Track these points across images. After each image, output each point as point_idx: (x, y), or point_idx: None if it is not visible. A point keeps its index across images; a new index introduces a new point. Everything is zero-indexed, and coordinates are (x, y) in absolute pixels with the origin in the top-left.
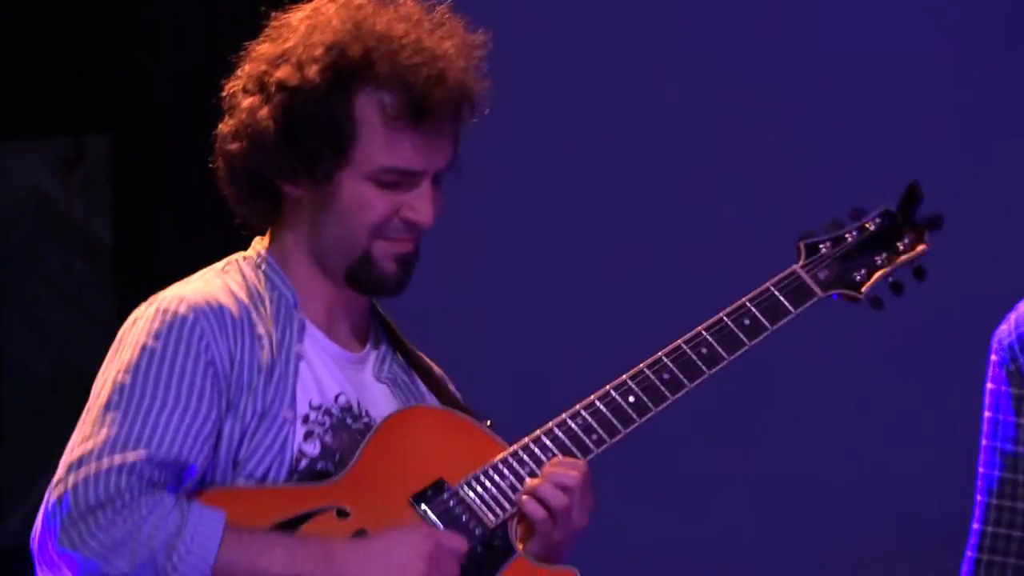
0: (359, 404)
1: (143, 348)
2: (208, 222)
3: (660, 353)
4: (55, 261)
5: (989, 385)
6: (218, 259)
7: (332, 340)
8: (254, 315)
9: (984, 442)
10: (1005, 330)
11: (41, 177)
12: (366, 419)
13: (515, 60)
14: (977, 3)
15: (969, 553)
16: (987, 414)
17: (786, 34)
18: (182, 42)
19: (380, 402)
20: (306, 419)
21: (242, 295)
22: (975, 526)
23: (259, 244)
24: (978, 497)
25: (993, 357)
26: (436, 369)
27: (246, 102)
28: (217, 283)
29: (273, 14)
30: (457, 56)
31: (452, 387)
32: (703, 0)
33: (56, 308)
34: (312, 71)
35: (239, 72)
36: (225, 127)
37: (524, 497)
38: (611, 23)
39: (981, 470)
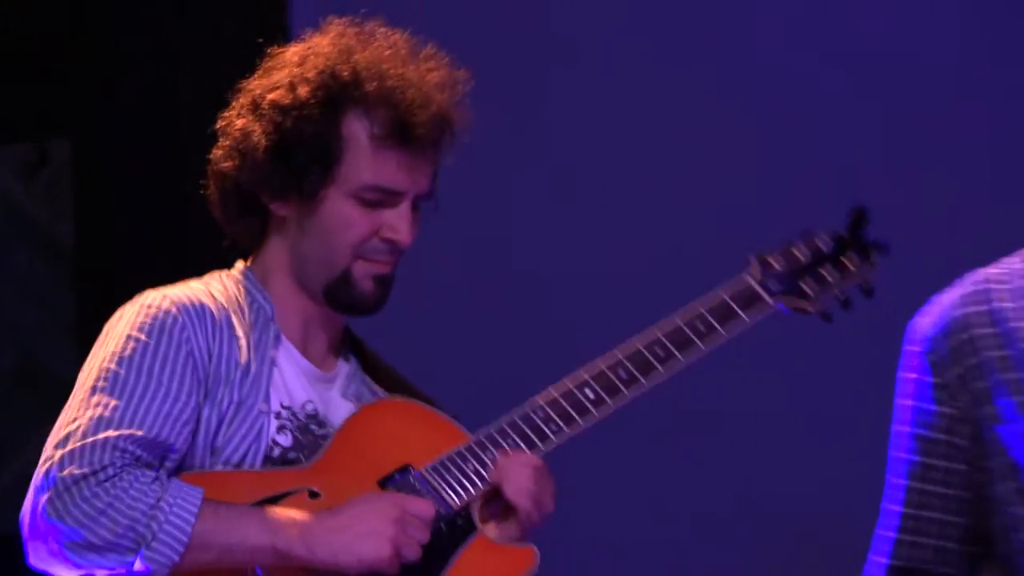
0: (325, 416)
1: (128, 338)
2: (166, 225)
3: (618, 353)
4: (19, 261)
5: (909, 375)
6: (176, 262)
7: (305, 356)
8: (234, 319)
9: (901, 428)
10: (927, 322)
11: (4, 180)
12: (330, 429)
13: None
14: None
15: (888, 533)
16: (906, 402)
17: (755, 36)
18: (145, 48)
19: (343, 415)
20: (278, 415)
21: (223, 300)
22: (893, 507)
23: (241, 263)
24: (894, 480)
25: (914, 348)
26: (399, 379)
27: (239, 123)
28: (199, 288)
29: (270, 50)
30: (441, 87)
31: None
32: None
33: (20, 306)
34: (303, 91)
35: (233, 104)
36: (218, 151)
37: (482, 491)
38: (577, 26)
39: (897, 454)
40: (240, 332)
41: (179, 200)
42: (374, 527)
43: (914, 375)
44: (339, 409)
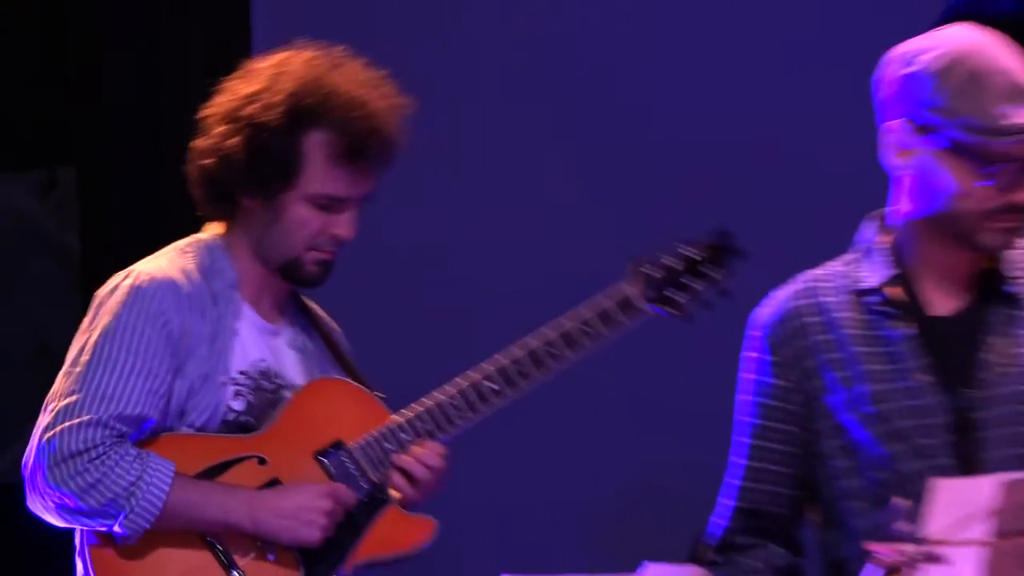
0: (276, 368)
1: (116, 316)
2: (154, 235)
3: (516, 350)
4: (35, 266)
5: (752, 354)
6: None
7: (258, 314)
8: (202, 293)
9: (745, 397)
10: (767, 312)
11: (23, 200)
12: (278, 380)
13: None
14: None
15: (734, 481)
16: (749, 376)
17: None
18: (134, 90)
19: (289, 366)
20: (236, 382)
21: (195, 276)
22: (739, 461)
23: (210, 232)
24: (739, 439)
25: (756, 332)
26: (339, 342)
27: (219, 129)
28: (175, 263)
29: (244, 63)
30: (389, 114)
31: (347, 353)
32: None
33: (36, 302)
34: (275, 112)
35: (214, 101)
36: (200, 144)
37: (397, 471)
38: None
39: (742, 418)
40: (207, 305)
41: (163, 213)
42: (311, 518)
43: (755, 354)
44: (287, 359)
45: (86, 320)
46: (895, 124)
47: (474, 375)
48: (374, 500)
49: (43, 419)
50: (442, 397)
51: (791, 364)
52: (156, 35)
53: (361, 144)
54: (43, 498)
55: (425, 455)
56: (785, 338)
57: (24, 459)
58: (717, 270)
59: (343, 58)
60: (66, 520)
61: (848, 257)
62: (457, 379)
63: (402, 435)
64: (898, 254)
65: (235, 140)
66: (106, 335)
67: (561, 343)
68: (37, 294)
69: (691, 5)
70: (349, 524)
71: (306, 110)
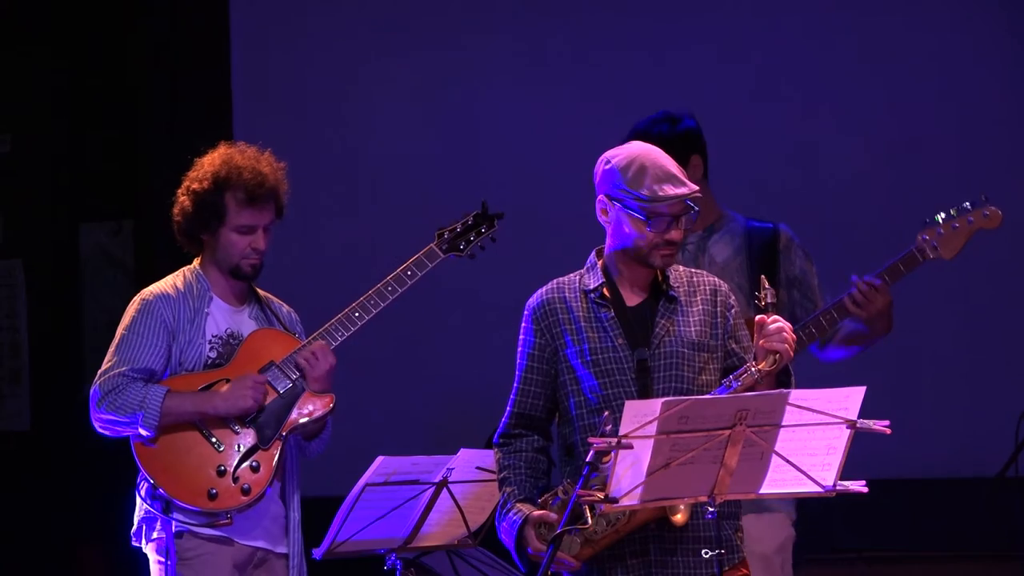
0: (238, 332)
1: (132, 318)
2: (175, 263)
3: (370, 291)
4: (108, 275)
5: (525, 324)
6: (174, 268)
7: (225, 303)
8: (186, 296)
9: (521, 350)
10: (534, 300)
11: (101, 238)
12: (240, 338)
13: None
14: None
15: (513, 396)
16: (522, 337)
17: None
18: (170, 178)
19: (248, 329)
20: (210, 342)
21: (180, 287)
22: (515, 385)
23: (195, 262)
24: (517, 373)
25: (527, 312)
26: (284, 313)
27: (182, 199)
28: (169, 282)
29: (196, 160)
30: (272, 174)
31: (290, 322)
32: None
33: (110, 297)
34: (206, 184)
35: (185, 178)
36: (174, 210)
37: (299, 358)
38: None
39: (519, 362)
40: (189, 304)
41: (179, 251)
42: (242, 394)
43: (526, 324)
44: (247, 324)
45: (121, 321)
46: (601, 197)
47: (347, 310)
48: (296, 389)
49: (96, 376)
50: (328, 325)
51: (545, 329)
52: (187, 139)
53: (255, 195)
54: (97, 421)
55: (309, 351)
56: (542, 315)
57: (90, 399)
58: (487, 225)
59: (246, 147)
60: (112, 429)
61: (580, 271)
62: (338, 314)
63: (305, 348)
64: (606, 270)
65: (188, 204)
66: (127, 328)
67: (394, 282)
68: (109, 290)
69: None
70: (280, 405)
71: (223, 180)
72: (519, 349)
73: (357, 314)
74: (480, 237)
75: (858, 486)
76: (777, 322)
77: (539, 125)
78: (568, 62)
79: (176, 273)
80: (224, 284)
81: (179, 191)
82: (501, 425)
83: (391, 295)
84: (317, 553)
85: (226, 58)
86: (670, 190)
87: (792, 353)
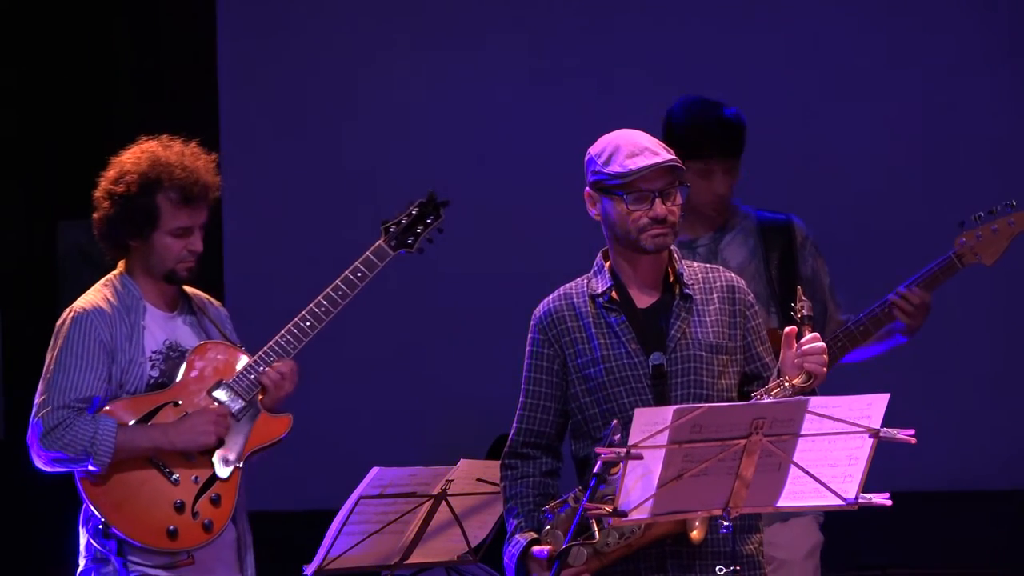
0: (175, 341)
1: (66, 338)
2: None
3: (319, 297)
4: (86, 275)
5: (532, 335)
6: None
7: (158, 309)
8: (120, 310)
9: (528, 360)
10: (540, 309)
11: (81, 236)
12: (181, 349)
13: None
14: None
15: (520, 412)
16: (530, 348)
17: None
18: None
19: (184, 336)
20: (151, 359)
21: (113, 300)
22: (521, 399)
23: (119, 268)
24: (523, 387)
25: (534, 321)
26: (214, 311)
27: (105, 204)
28: (100, 295)
29: (112, 159)
30: (205, 170)
31: (219, 319)
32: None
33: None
34: (133, 188)
35: (103, 179)
36: (95, 216)
37: (264, 379)
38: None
39: (525, 374)
40: (123, 317)
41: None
42: (203, 429)
43: (533, 335)
44: (182, 331)
45: (53, 341)
46: (586, 190)
47: (296, 320)
48: (251, 408)
49: (34, 409)
50: (278, 337)
51: (553, 339)
52: (171, 133)
53: (189, 194)
54: (40, 457)
55: (272, 371)
56: (549, 325)
57: (27, 438)
58: (434, 216)
59: (171, 141)
60: (58, 468)
61: (588, 275)
62: (288, 325)
63: (260, 366)
64: (613, 272)
65: (111, 209)
66: (61, 351)
67: (344, 285)
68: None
69: None
70: (239, 429)
71: (152, 180)
72: (526, 361)
73: (308, 323)
74: (427, 229)
75: (882, 499)
76: (817, 341)
77: (542, 126)
78: (569, 61)
79: (102, 283)
80: (155, 290)
81: (97, 194)
82: (509, 442)
83: (342, 300)
84: (308, 570)
85: (212, 51)
86: (642, 161)
87: (825, 375)
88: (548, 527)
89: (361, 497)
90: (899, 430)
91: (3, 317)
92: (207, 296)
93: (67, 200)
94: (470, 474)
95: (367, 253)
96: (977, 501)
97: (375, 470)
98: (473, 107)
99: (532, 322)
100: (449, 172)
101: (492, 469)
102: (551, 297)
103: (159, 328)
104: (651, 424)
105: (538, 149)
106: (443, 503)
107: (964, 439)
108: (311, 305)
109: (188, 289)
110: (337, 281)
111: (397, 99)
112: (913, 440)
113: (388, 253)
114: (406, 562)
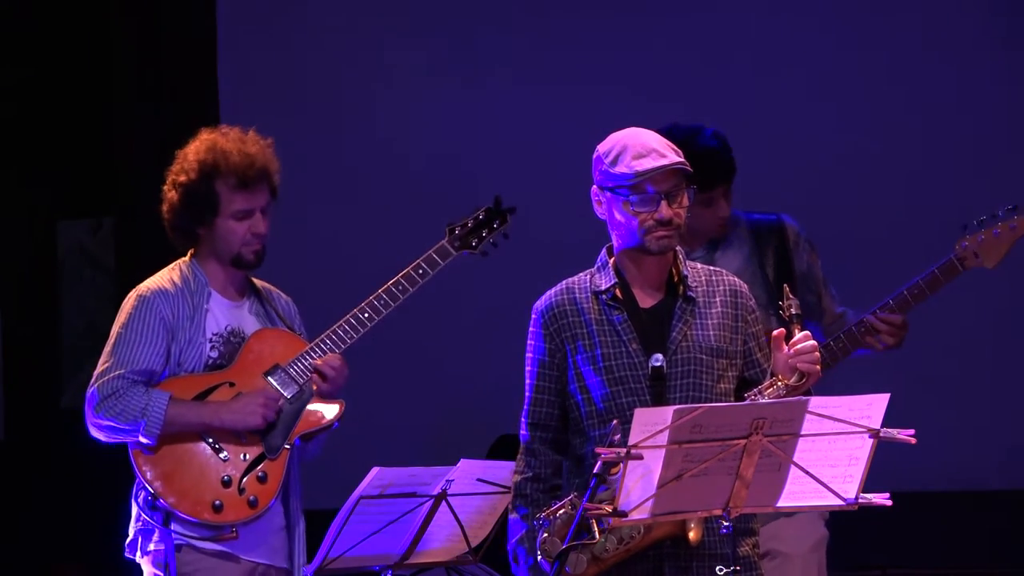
0: (239, 328)
1: (129, 315)
2: (159, 260)
3: (379, 290)
4: (87, 274)
5: (533, 329)
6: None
7: (224, 297)
8: (185, 291)
9: (529, 355)
10: (542, 302)
11: (82, 235)
12: (242, 335)
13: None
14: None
15: (526, 407)
16: (531, 342)
17: None
18: (153, 173)
19: (249, 324)
20: (210, 340)
21: (178, 282)
22: (527, 395)
23: (188, 255)
24: (527, 381)
25: (535, 315)
26: (283, 304)
27: (170, 194)
28: (166, 277)
29: (177, 152)
30: (261, 154)
31: (288, 313)
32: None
33: (88, 297)
34: (193, 175)
35: (169, 172)
36: (165, 204)
37: (316, 372)
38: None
39: (528, 368)
40: (187, 299)
41: (166, 247)
42: (252, 410)
43: (534, 329)
44: (247, 320)
45: (117, 318)
46: (593, 189)
47: (355, 311)
48: (303, 395)
49: (92, 379)
50: (336, 327)
51: (555, 334)
52: (167, 140)
53: (246, 177)
54: (94, 426)
55: (330, 360)
56: (551, 319)
57: (85, 405)
58: (500, 220)
59: (228, 129)
60: (110, 436)
61: (591, 270)
62: (346, 316)
63: (314, 354)
64: (618, 269)
65: (176, 198)
66: (124, 326)
67: (405, 281)
68: (89, 291)
69: None
70: (289, 412)
71: (211, 168)
72: (528, 355)
73: (367, 315)
74: (492, 233)
75: (882, 499)
76: (808, 339)
77: (546, 121)
78: (571, 59)
79: (170, 267)
80: (222, 277)
81: (165, 187)
82: (521, 436)
83: (402, 294)
84: (308, 570)
85: (212, 49)
86: (648, 163)
87: (820, 373)
88: (545, 534)
89: (361, 497)
90: (899, 430)
91: (3, 317)
92: (277, 290)
93: (67, 200)
94: (470, 474)
95: (430, 251)
96: (977, 501)
97: (375, 470)
98: (473, 107)
99: (533, 315)
100: (449, 172)
101: (492, 469)
102: (553, 290)
103: (223, 314)
104: (651, 424)
105: (545, 149)
106: (443, 503)
107: (963, 439)
108: (371, 298)
109: (257, 281)
110: (398, 276)
111: (397, 98)
112: (913, 440)
113: (451, 253)
114: (406, 562)
